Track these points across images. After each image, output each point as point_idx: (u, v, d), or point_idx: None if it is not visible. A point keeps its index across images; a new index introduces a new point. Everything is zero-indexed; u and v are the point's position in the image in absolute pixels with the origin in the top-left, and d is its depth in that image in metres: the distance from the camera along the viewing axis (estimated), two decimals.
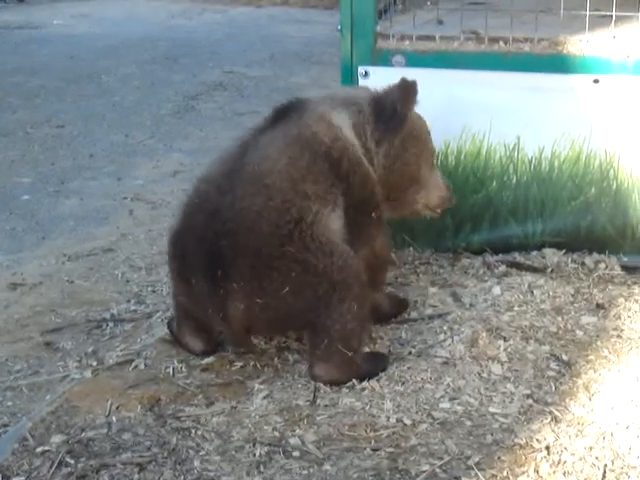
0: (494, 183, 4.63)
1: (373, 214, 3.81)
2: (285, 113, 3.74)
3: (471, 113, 4.52)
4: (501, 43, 4.56)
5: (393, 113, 3.87)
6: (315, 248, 3.40)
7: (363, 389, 3.47)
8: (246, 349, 3.73)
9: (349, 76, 4.64)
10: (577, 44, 4.47)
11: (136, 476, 2.99)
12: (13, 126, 8.22)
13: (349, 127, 3.78)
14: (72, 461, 3.10)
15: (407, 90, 3.90)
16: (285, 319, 3.52)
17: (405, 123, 3.92)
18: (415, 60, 4.54)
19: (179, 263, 3.61)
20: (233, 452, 3.11)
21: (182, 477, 2.99)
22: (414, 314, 4.11)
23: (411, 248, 4.75)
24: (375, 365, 3.61)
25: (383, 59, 4.56)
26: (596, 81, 4.41)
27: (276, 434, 3.19)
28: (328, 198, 3.55)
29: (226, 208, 3.41)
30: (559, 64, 4.46)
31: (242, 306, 3.36)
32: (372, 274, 3.77)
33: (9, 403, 3.59)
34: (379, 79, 4.50)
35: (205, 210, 3.48)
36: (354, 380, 3.51)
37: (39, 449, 3.18)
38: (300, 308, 3.44)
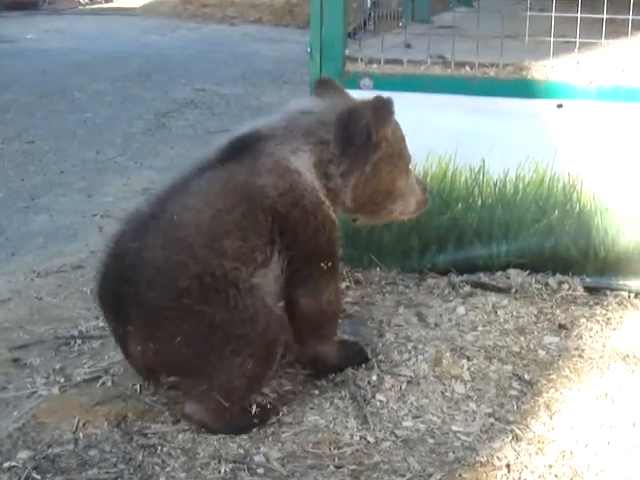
0: (459, 205, 4.69)
1: (323, 264, 3.55)
2: (239, 149, 3.47)
3: (437, 136, 4.57)
4: (467, 68, 4.65)
5: (367, 139, 3.54)
6: (216, 301, 3.25)
7: (328, 407, 3.51)
8: (153, 387, 3.63)
9: None
10: (541, 69, 4.56)
11: None
12: None
13: (309, 168, 3.50)
14: (39, 477, 3.13)
15: (383, 111, 3.59)
16: (178, 365, 3.35)
17: (380, 148, 3.61)
18: (382, 83, 4.59)
19: (99, 294, 3.53)
20: (199, 469, 3.15)
21: None
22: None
23: (378, 268, 4.79)
24: (251, 420, 3.40)
25: (351, 82, 4.60)
26: (560, 106, 4.49)
27: (241, 451, 3.23)
28: (255, 257, 3.34)
29: (132, 255, 3.32)
30: (524, 89, 4.54)
31: (138, 348, 3.31)
32: (316, 327, 3.65)
33: None
34: None
35: (117, 252, 3.41)
36: (272, 418, 3.45)
37: (6, 464, 3.20)
38: (191, 357, 3.30)
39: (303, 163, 3.49)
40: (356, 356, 3.83)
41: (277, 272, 3.44)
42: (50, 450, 3.25)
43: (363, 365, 3.81)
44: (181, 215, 3.31)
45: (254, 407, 3.40)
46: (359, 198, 3.68)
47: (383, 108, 3.60)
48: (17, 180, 7.05)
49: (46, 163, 7.51)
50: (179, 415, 3.45)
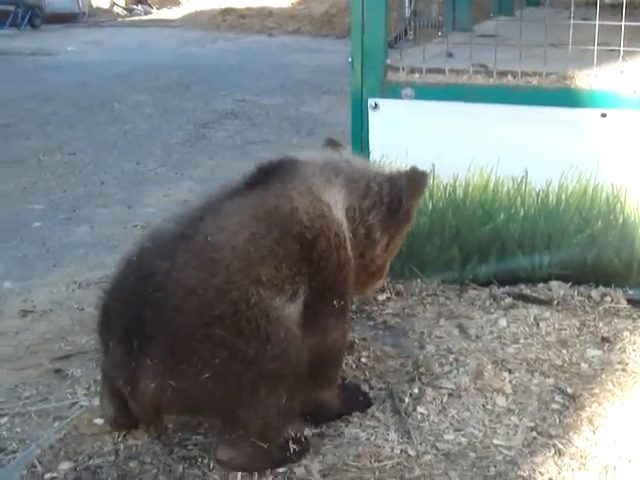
0: (501, 215, 4.66)
1: (336, 303, 3.36)
2: (269, 174, 3.35)
3: (479, 146, 4.55)
4: (510, 77, 4.60)
5: (398, 205, 3.53)
6: (249, 333, 3.00)
7: (368, 419, 3.50)
8: (154, 429, 3.38)
9: (359, 108, 4.70)
10: (585, 78, 4.51)
11: None
12: (26, 153, 8.29)
13: (341, 207, 3.39)
14: None
15: (417, 181, 3.60)
16: (201, 405, 3.12)
17: (410, 219, 3.65)
18: (424, 93, 4.59)
19: (102, 320, 3.21)
20: None
21: None
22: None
23: (418, 279, 4.77)
24: (289, 456, 3.23)
25: (393, 91, 4.60)
26: (604, 115, 4.44)
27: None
28: (286, 288, 3.14)
29: (161, 275, 3.01)
30: (567, 98, 4.49)
31: (153, 385, 2.96)
32: (319, 369, 3.36)
33: (18, 429, 3.60)
34: (388, 111, 4.58)
35: (140, 271, 3.09)
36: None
37: (47, 476, 3.21)
38: (220, 396, 3.03)
39: (335, 199, 3.37)
40: (359, 401, 3.63)
41: (300, 307, 3.20)
42: (91, 462, 3.25)
43: (405, 377, 3.78)
44: (216, 236, 3.08)
45: (290, 443, 3.23)
46: (381, 258, 3.63)
47: (418, 179, 3.61)
48: (59, 191, 7.11)
49: (87, 174, 7.57)
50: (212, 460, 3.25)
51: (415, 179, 3.59)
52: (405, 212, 3.57)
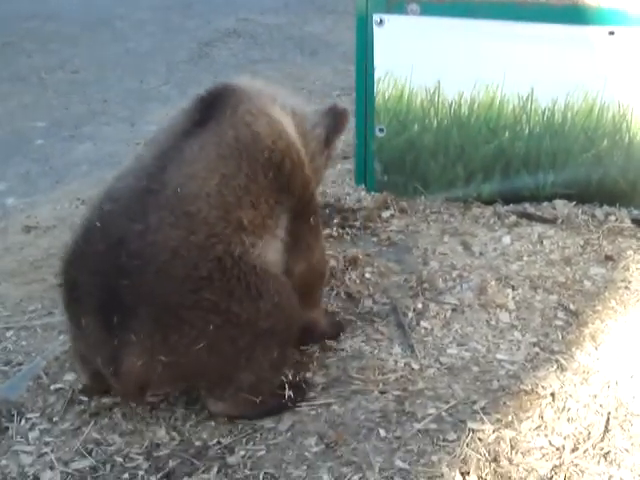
0: (507, 134, 4.62)
1: (312, 220, 3.27)
2: (215, 105, 3.08)
3: (485, 63, 4.50)
4: None
5: (333, 135, 3.54)
6: (240, 293, 2.81)
7: (372, 333, 3.53)
8: (136, 404, 3.11)
9: (364, 24, 4.63)
10: None
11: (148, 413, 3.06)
12: (27, 71, 8.20)
13: (292, 127, 3.26)
14: (85, 398, 3.18)
15: (343, 118, 3.61)
16: (193, 376, 2.92)
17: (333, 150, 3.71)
18: (430, 9, 4.52)
19: (68, 296, 2.93)
20: None
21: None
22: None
23: (422, 197, 4.76)
24: (284, 402, 3.10)
25: (398, 7, 4.54)
26: (611, 33, 4.39)
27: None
28: (269, 223, 2.99)
29: (134, 239, 2.71)
30: (575, 15, 4.43)
31: (140, 362, 2.72)
32: (308, 290, 3.27)
33: (23, 342, 3.64)
34: (394, 27, 4.52)
35: (107, 237, 2.76)
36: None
37: (53, 387, 3.26)
38: (214, 364, 2.85)
39: (285, 119, 3.24)
40: (337, 324, 3.59)
41: (283, 236, 3.10)
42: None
43: (409, 293, 3.80)
44: (186, 186, 2.81)
45: (287, 388, 3.10)
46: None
47: (342, 115, 3.60)
48: (61, 109, 7.06)
49: (90, 92, 7.50)
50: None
51: (340, 115, 3.57)
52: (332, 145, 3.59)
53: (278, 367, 3.04)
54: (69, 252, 2.92)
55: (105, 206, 2.85)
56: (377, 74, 4.61)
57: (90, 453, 2.90)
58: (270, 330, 2.90)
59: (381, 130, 4.71)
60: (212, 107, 3.06)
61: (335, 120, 3.54)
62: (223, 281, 2.77)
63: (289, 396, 3.09)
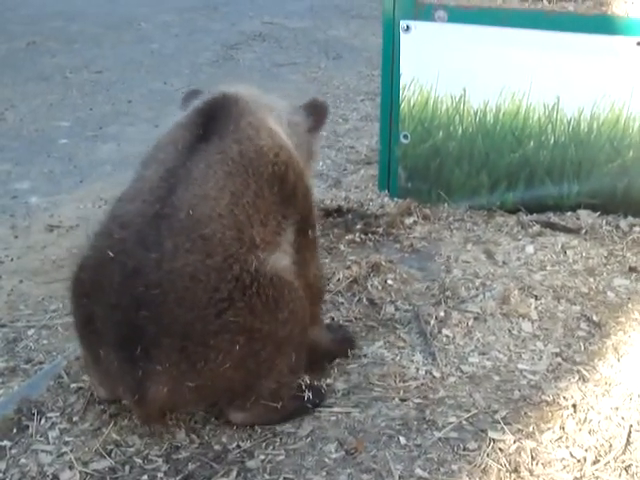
0: (532, 143, 4.61)
1: (310, 234, 3.21)
2: (216, 118, 3.00)
3: (512, 72, 4.49)
4: (545, 2, 4.52)
5: (314, 131, 3.50)
6: (260, 308, 2.77)
7: (394, 340, 3.52)
8: (157, 425, 3.01)
9: (391, 30, 4.62)
10: (622, 5, 4.42)
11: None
12: (52, 70, 8.24)
13: (286, 136, 3.21)
14: None
15: (323, 111, 3.56)
16: (218, 394, 2.89)
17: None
18: (457, 16, 4.51)
19: (84, 328, 2.86)
20: None
21: None
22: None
23: (446, 204, 4.75)
24: (304, 405, 3.09)
25: (425, 14, 4.53)
26: (639, 43, 4.37)
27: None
28: (278, 240, 2.94)
29: (150, 268, 2.63)
30: (603, 25, 4.40)
31: (166, 389, 2.68)
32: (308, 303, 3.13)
33: (44, 341, 3.65)
34: (421, 34, 4.51)
35: (122, 268, 2.67)
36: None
37: (73, 386, 3.25)
38: (238, 380, 2.82)
39: (280, 129, 3.20)
40: (345, 341, 3.50)
41: (290, 251, 3.06)
42: None
43: (431, 300, 3.79)
44: (197, 208, 2.73)
45: (306, 391, 3.10)
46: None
47: (322, 108, 3.56)
48: (85, 109, 7.09)
49: (114, 93, 7.53)
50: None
51: (320, 109, 3.54)
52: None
53: (296, 370, 3.03)
54: (81, 283, 2.82)
55: (116, 233, 2.75)
56: (403, 80, 4.60)
57: (109, 454, 2.90)
58: (288, 336, 2.88)
59: (405, 137, 4.70)
60: (213, 120, 2.98)
61: (316, 116, 3.49)
62: (244, 300, 2.73)
63: (309, 398, 3.07)
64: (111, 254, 2.69)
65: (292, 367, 2.96)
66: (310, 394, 3.09)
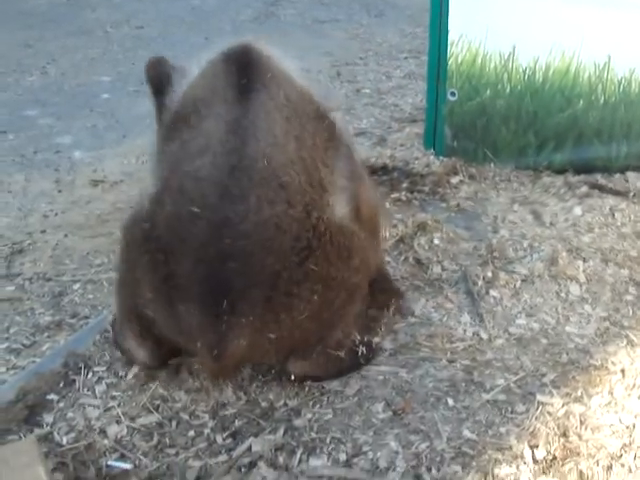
0: (581, 102, 4.53)
1: (346, 150, 3.17)
2: (249, 68, 2.92)
3: (562, 29, 4.40)
4: None
5: None
6: (335, 256, 2.79)
7: (442, 301, 3.49)
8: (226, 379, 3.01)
9: None
10: None
11: None
12: (92, 25, 8.23)
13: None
14: None
15: None
16: (294, 345, 2.88)
17: None
18: None
19: (160, 282, 2.76)
20: None
21: None
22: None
23: (492, 164, 4.69)
24: (358, 360, 3.08)
25: None
26: None
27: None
28: (334, 178, 2.93)
29: (237, 221, 2.62)
30: None
31: (246, 343, 2.67)
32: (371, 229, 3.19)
33: (90, 296, 3.66)
34: None
35: (208, 221, 2.65)
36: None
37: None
38: (313, 330, 2.84)
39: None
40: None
41: (345, 184, 3.03)
42: None
43: (478, 261, 3.77)
44: (272, 157, 2.73)
45: (360, 346, 3.07)
46: None
47: None
48: (127, 64, 7.07)
49: (155, 48, 7.48)
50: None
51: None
52: None
53: (359, 320, 3.06)
54: (156, 239, 2.74)
55: (191, 188, 2.71)
56: (451, 37, 4.52)
57: (157, 409, 2.90)
58: (358, 285, 2.93)
59: (453, 94, 4.63)
60: (248, 69, 2.92)
61: None
62: (321, 248, 2.74)
63: (362, 353, 3.06)
64: (196, 209, 2.66)
65: (357, 316, 3.01)
66: (363, 349, 3.07)
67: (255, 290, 2.63)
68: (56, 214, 4.42)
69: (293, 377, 2.98)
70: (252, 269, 2.62)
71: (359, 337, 3.08)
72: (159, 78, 3.28)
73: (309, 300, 2.73)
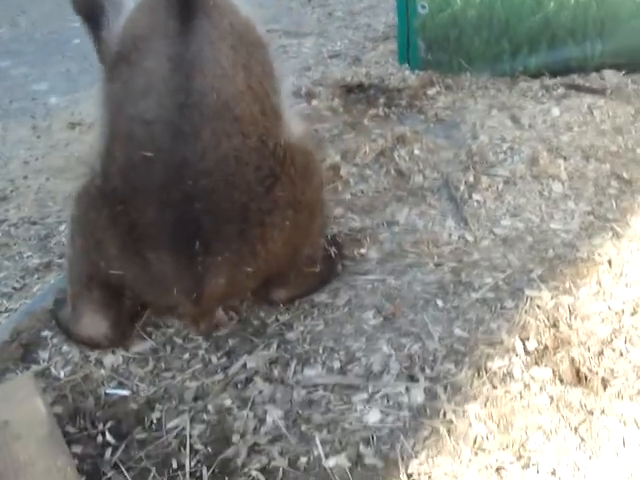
0: (552, 4, 4.50)
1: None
2: None
3: None
4: None
5: None
6: (298, 178, 2.74)
7: (424, 207, 3.51)
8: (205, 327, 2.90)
9: None
10: None
11: None
12: None
13: None
14: None
15: None
16: (270, 275, 2.84)
17: None
18: None
19: (126, 238, 2.64)
20: None
21: None
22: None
23: (467, 73, 4.68)
24: (334, 265, 3.14)
25: None
26: None
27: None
28: (284, 104, 2.82)
29: (196, 159, 2.53)
30: None
31: (224, 281, 2.62)
32: None
33: None
34: None
35: (165, 164, 2.53)
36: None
37: None
38: (286, 255, 2.79)
39: None
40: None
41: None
42: None
43: (459, 167, 3.77)
44: (221, 90, 2.58)
45: (330, 248, 3.10)
46: None
47: None
48: None
49: None
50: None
51: None
52: None
53: (325, 228, 3.07)
54: (112, 192, 2.62)
55: (141, 132, 2.56)
56: None
57: (150, 336, 2.92)
58: (319, 201, 2.90)
59: (423, 7, 4.60)
60: (190, 0, 2.69)
61: None
62: (284, 173, 2.68)
63: (335, 252, 3.09)
64: (149, 154, 2.52)
65: (322, 226, 3.00)
66: (334, 248, 3.10)
67: (227, 226, 2.58)
68: (36, 159, 4.41)
69: (281, 305, 3.01)
70: (220, 206, 2.56)
71: (327, 246, 3.08)
72: (90, 7, 3.01)
73: (281, 227, 2.69)
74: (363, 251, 3.24)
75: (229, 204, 2.56)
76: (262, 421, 2.53)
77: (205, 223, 2.54)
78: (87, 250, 2.77)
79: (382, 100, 4.46)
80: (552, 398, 2.51)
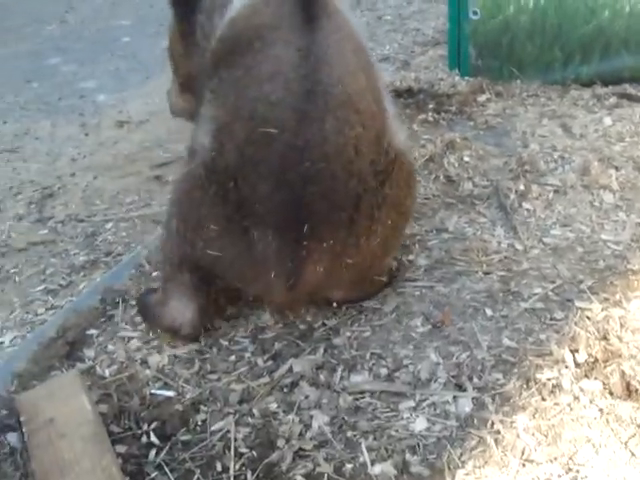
0: (606, 12, 4.47)
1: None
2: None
3: None
4: None
5: None
6: (403, 181, 2.80)
7: (474, 215, 3.49)
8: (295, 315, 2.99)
9: None
10: None
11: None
12: None
13: None
14: None
15: None
16: (363, 273, 2.88)
17: None
18: None
19: (232, 211, 2.63)
20: None
21: None
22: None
23: (518, 80, 4.64)
24: (393, 278, 3.11)
25: None
26: None
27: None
28: (393, 112, 2.90)
29: (317, 143, 2.54)
30: None
31: (322, 269, 2.62)
32: None
33: (123, 234, 3.67)
34: None
35: (286, 145, 2.55)
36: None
37: (155, 274, 3.26)
38: (380, 256, 2.85)
39: None
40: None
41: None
42: None
43: (509, 175, 3.75)
44: (347, 84, 2.65)
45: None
46: None
47: None
48: (145, 7, 7.04)
49: None
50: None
51: None
52: None
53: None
54: (224, 168, 2.64)
55: (264, 112, 2.59)
56: None
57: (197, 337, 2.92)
58: (412, 213, 3.00)
59: (475, 13, 4.58)
60: (312, 1, 2.79)
61: None
62: (394, 173, 2.73)
63: (395, 266, 3.13)
64: (273, 130, 2.55)
65: (402, 240, 3.07)
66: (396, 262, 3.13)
67: (338, 213, 2.59)
68: (84, 157, 4.44)
69: (335, 304, 2.98)
70: (334, 192, 2.57)
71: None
72: None
73: (384, 225, 2.72)
74: (412, 257, 3.22)
75: (343, 191, 2.58)
76: (308, 426, 2.51)
77: (316, 207, 2.55)
78: (184, 232, 2.78)
79: (431, 105, 4.44)
80: (602, 411, 2.47)
